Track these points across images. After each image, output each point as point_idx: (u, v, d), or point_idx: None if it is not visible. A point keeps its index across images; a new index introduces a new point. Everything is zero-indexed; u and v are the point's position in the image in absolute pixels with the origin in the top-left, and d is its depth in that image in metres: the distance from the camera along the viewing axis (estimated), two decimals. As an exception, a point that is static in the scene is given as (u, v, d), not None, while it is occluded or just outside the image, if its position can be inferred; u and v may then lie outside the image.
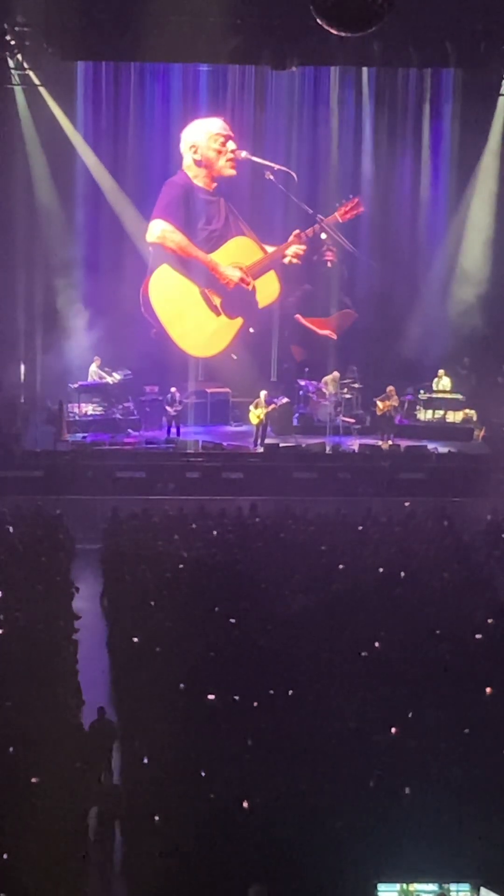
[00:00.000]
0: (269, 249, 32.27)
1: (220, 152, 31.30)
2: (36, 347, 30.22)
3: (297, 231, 31.95)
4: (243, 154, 31.25)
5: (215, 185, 31.62)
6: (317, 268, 32.29)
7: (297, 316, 32.62)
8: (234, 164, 31.42)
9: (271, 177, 31.39)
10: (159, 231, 31.54)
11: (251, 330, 32.24)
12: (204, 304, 31.99)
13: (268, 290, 32.47)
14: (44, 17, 25.50)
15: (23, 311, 30.20)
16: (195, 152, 31.28)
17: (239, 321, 32.18)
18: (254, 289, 32.17)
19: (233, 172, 31.49)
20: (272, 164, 31.33)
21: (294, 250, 32.13)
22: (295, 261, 32.21)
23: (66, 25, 25.52)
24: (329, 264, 32.22)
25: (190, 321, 32.00)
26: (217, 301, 31.94)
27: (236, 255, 32.21)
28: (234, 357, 31.94)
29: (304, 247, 32.13)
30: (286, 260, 32.17)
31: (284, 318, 32.53)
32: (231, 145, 31.19)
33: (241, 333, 32.18)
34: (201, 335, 32.04)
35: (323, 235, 32.07)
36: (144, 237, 31.38)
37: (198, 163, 31.33)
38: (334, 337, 32.29)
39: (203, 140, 31.20)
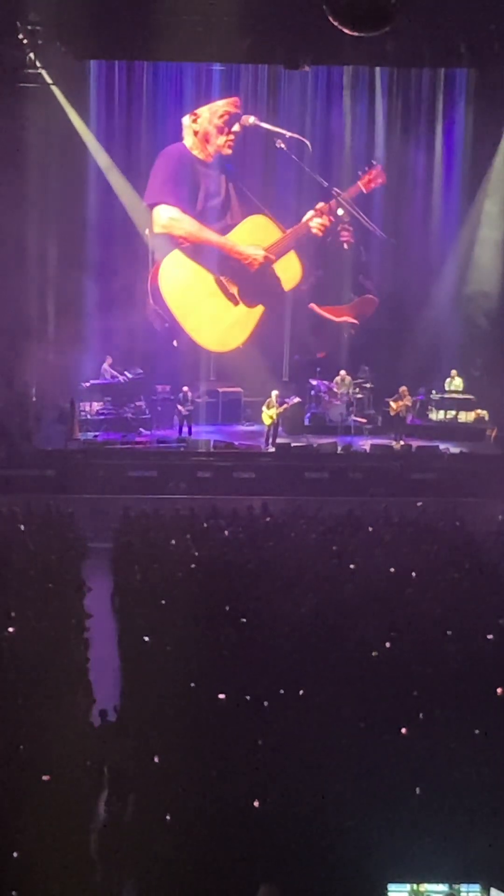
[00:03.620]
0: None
1: (220, 130, 30.59)
2: (48, 346, 30.25)
3: (319, 205, 31.13)
4: (251, 120, 30.59)
5: (216, 153, 30.74)
6: (331, 250, 31.57)
7: (312, 305, 31.80)
8: (233, 145, 30.65)
9: (282, 145, 30.61)
10: (166, 219, 30.85)
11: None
12: (220, 293, 31.08)
13: (290, 272, 31.40)
14: (57, 16, 25.51)
15: (35, 310, 30.23)
16: (194, 121, 30.68)
17: (260, 309, 31.24)
18: (274, 272, 31.18)
19: (229, 152, 30.72)
20: (283, 132, 30.67)
21: (318, 222, 31.04)
22: (318, 233, 31.08)
23: (79, 24, 25.53)
24: (346, 245, 31.56)
25: (205, 313, 31.16)
26: (234, 289, 31.09)
27: (253, 235, 31.10)
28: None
29: (327, 218, 30.90)
30: (314, 230, 31.03)
31: (297, 307, 31.80)
32: (237, 127, 30.53)
33: (262, 323, 31.28)
34: (218, 328, 31.27)
35: (339, 211, 31.17)
36: (151, 229, 30.75)
37: (195, 133, 30.79)
38: (356, 322, 31.69)
39: (206, 112, 30.71)
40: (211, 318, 31.29)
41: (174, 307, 31.22)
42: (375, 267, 32.06)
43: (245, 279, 31.24)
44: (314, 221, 31.13)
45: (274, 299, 31.29)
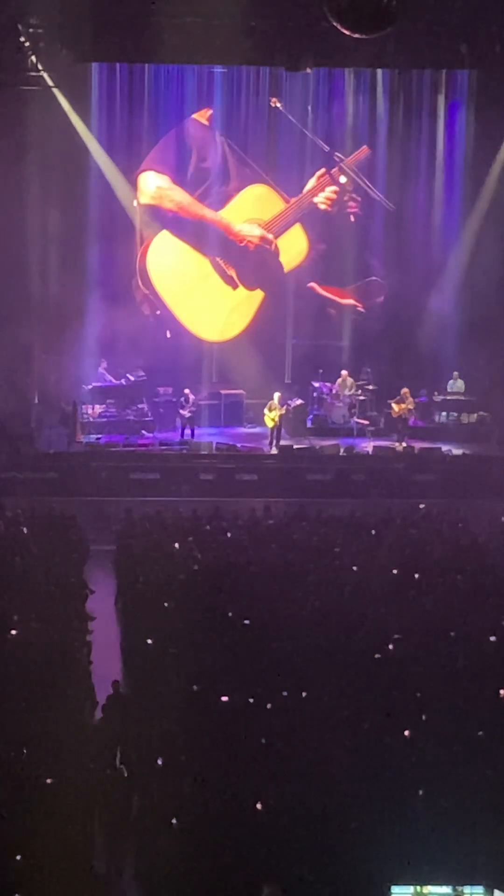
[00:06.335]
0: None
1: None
2: (50, 349, 30.24)
3: (321, 171, 29.64)
4: None
5: (210, 112, 29.60)
6: (335, 222, 30.40)
7: (312, 285, 30.46)
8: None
9: (278, 104, 29.50)
10: (153, 189, 29.54)
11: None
12: (216, 275, 29.54)
13: (294, 248, 29.47)
14: (58, 19, 25.47)
15: (37, 313, 30.21)
16: None
17: (260, 293, 29.81)
18: (277, 249, 29.64)
19: None
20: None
21: (325, 195, 29.27)
22: (325, 207, 29.15)
23: (81, 27, 25.48)
24: (352, 217, 30.44)
25: (201, 299, 29.68)
26: (232, 271, 29.66)
27: (253, 208, 29.31)
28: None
29: (335, 188, 28.98)
30: (321, 206, 29.10)
31: (299, 288, 30.67)
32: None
33: (264, 312, 29.90)
34: (217, 315, 29.87)
35: (343, 179, 29.70)
36: (137, 199, 29.60)
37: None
38: (361, 308, 30.93)
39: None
40: (207, 304, 29.76)
41: (165, 293, 29.98)
42: (380, 248, 31.42)
43: (244, 259, 29.68)
44: (319, 196, 29.32)
45: (276, 281, 29.68)
